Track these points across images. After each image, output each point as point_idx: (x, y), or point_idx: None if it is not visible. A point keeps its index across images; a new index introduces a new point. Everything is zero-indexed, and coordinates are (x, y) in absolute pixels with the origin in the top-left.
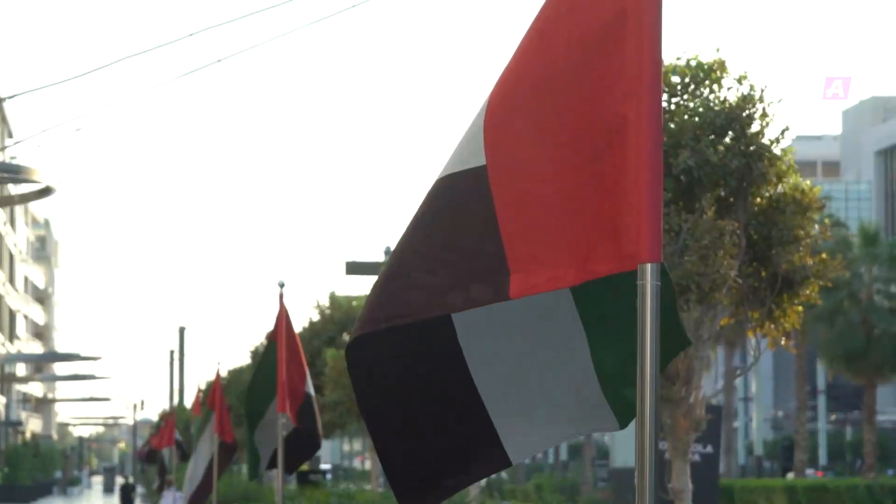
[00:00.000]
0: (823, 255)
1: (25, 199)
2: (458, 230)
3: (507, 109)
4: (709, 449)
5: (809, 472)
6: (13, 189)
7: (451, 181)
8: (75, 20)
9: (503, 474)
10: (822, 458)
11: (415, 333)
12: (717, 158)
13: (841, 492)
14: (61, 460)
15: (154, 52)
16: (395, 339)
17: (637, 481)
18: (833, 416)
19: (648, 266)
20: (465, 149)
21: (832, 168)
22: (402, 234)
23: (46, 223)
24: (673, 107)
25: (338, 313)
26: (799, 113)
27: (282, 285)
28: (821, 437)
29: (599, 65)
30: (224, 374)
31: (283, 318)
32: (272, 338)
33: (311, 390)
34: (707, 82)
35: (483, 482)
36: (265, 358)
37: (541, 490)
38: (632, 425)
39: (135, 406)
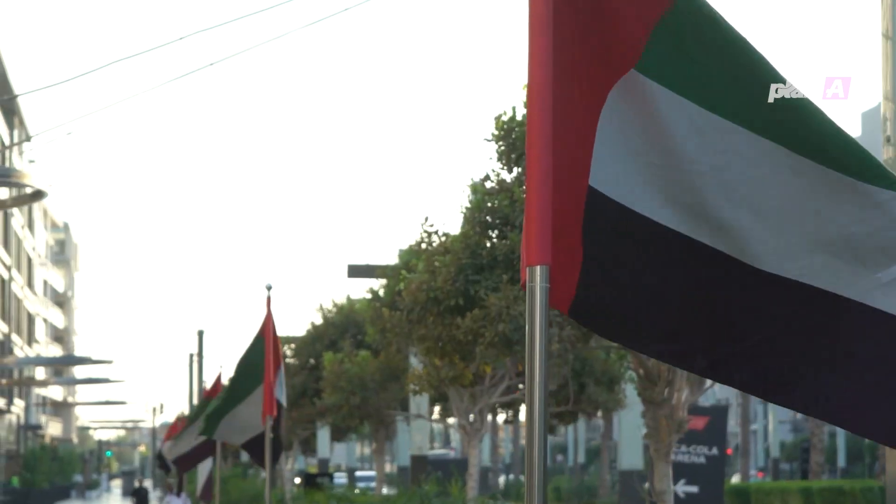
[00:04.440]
0: None
1: (18, 202)
2: None
3: None
4: (714, 451)
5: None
6: (4, 193)
7: None
8: (67, 24)
9: (521, 476)
10: (841, 460)
11: None
12: None
13: (856, 494)
14: (80, 464)
15: (146, 55)
16: None
17: (526, 482)
18: None
19: (538, 268)
20: None
21: None
22: None
23: (66, 227)
24: None
25: (339, 317)
26: None
27: (269, 288)
28: (839, 440)
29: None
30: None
31: (269, 320)
32: (262, 335)
33: (283, 399)
34: None
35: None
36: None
37: (559, 492)
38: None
39: (154, 409)
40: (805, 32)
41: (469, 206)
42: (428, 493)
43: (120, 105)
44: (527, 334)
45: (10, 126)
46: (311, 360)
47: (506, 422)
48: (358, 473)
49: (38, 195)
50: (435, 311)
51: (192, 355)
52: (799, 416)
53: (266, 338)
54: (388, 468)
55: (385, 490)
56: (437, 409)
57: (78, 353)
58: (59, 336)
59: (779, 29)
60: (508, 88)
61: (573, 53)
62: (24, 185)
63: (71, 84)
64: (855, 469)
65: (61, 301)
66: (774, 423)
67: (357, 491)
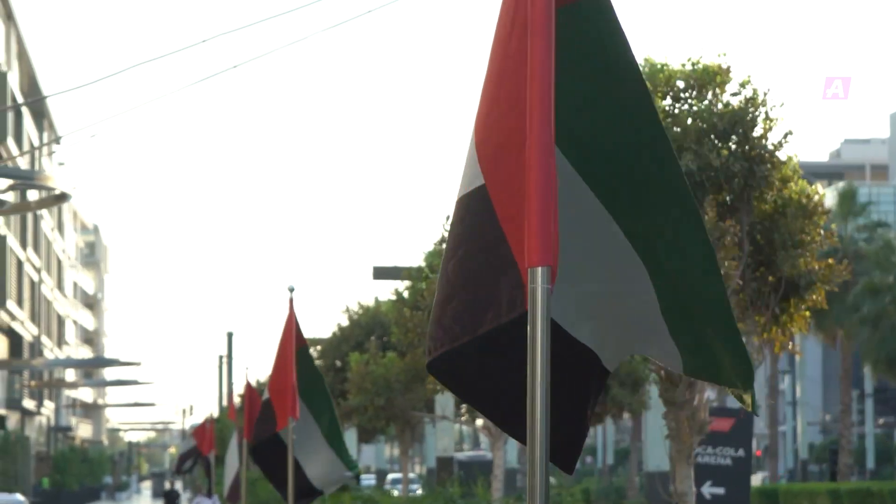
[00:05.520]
0: (830, 261)
1: (42, 204)
2: (472, 252)
3: (490, 126)
4: (740, 452)
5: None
6: (33, 195)
7: (462, 203)
8: (93, 28)
9: (551, 479)
10: (870, 462)
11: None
12: (719, 162)
13: (884, 496)
14: (110, 465)
15: (171, 58)
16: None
17: (528, 482)
18: (881, 420)
19: (539, 269)
20: (468, 170)
21: (880, 172)
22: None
23: (96, 229)
24: (676, 111)
25: (365, 318)
26: (847, 117)
27: (291, 290)
28: (868, 441)
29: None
30: (263, 378)
31: (292, 323)
32: (298, 345)
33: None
34: (711, 86)
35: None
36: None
37: (587, 494)
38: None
39: (184, 411)
40: (843, 36)
41: None
42: (453, 495)
43: (146, 107)
44: (528, 335)
45: (40, 128)
46: (338, 362)
47: None
48: (390, 476)
49: (62, 197)
50: None
51: (221, 357)
52: (828, 417)
53: (287, 339)
54: (418, 469)
55: (420, 492)
56: (463, 409)
57: (108, 354)
58: (89, 338)
59: (791, 29)
60: None
61: None
62: (48, 188)
63: (98, 87)
64: (884, 471)
65: (91, 303)
66: (803, 425)
67: (396, 493)
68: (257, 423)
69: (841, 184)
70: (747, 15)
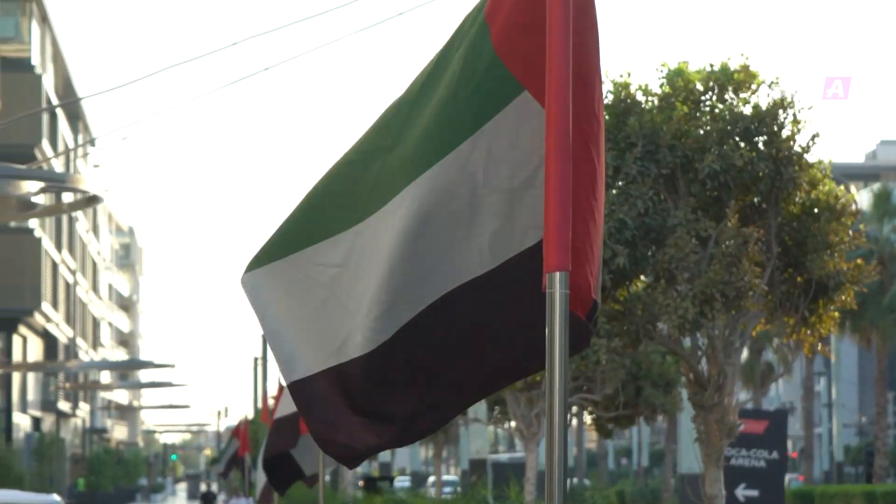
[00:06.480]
0: (859, 261)
1: (74, 206)
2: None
3: None
4: (774, 455)
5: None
6: (68, 197)
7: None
8: (125, 30)
9: (585, 480)
10: None
11: None
12: (742, 162)
13: None
14: (145, 467)
15: (204, 60)
16: None
17: (546, 486)
18: None
19: (557, 274)
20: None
21: None
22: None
23: (131, 231)
24: (697, 113)
25: None
26: (883, 118)
27: None
28: None
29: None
30: None
31: None
32: None
33: None
34: (731, 85)
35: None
36: None
37: (622, 496)
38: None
39: (219, 413)
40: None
41: None
42: (486, 497)
43: (180, 109)
44: (546, 340)
45: (75, 130)
46: None
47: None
48: (431, 479)
49: (94, 199)
50: None
51: (256, 359)
52: (864, 419)
53: None
54: (453, 471)
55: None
56: (496, 412)
57: (143, 356)
58: (125, 340)
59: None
60: None
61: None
62: (80, 190)
63: (132, 89)
64: None
65: (126, 305)
66: (839, 427)
67: (434, 495)
68: (272, 435)
69: (876, 185)
70: (785, 17)
